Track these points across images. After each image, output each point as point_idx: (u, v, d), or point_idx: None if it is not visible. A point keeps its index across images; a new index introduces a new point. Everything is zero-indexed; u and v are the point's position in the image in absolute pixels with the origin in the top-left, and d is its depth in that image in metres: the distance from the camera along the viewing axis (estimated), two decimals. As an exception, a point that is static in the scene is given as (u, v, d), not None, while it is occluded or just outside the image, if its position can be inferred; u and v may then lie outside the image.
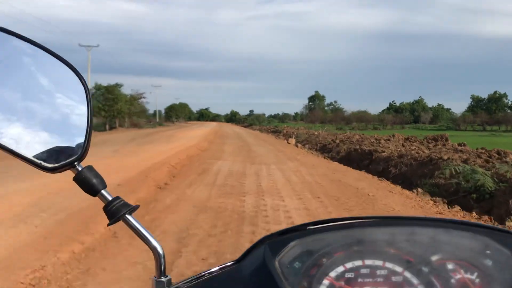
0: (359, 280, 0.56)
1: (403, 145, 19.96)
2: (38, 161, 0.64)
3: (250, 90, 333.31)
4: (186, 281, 0.62)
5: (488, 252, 0.59)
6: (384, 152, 16.72)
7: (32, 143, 0.65)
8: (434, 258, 0.58)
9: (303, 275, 0.57)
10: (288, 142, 27.93)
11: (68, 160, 0.65)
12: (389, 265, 0.57)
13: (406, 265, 0.57)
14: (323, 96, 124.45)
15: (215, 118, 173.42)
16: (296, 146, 25.03)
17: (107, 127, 41.27)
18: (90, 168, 0.66)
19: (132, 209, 0.65)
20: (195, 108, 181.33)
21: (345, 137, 26.34)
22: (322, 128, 57.96)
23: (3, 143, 0.63)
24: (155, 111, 75.23)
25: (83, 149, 0.66)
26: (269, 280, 0.55)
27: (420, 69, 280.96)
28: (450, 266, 0.57)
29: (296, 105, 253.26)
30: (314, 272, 0.57)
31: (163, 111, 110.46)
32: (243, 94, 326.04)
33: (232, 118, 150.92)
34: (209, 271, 0.63)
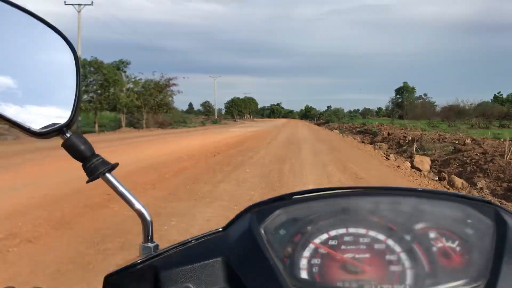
0: (342, 247, 0.57)
1: None
2: (27, 126, 0.64)
3: (327, 86, 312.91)
4: (173, 246, 0.62)
5: (469, 221, 0.60)
6: None
7: (21, 108, 0.65)
8: (416, 227, 0.59)
9: (287, 241, 0.58)
10: (416, 167, 10.59)
11: (56, 126, 0.65)
12: (372, 233, 0.58)
13: (389, 233, 0.58)
14: (413, 88, 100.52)
15: (287, 114, 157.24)
16: (451, 186, 8.01)
17: (96, 127, 26.50)
18: (79, 135, 0.67)
19: (111, 167, 0.66)
20: (266, 104, 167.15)
21: None
22: (429, 126, 38.34)
23: None
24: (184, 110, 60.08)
25: (71, 116, 0.66)
26: (254, 246, 0.56)
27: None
28: (432, 234, 0.58)
29: (376, 100, 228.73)
30: (298, 239, 0.58)
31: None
32: (319, 90, 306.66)
33: (307, 114, 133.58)
34: (195, 237, 0.63)
